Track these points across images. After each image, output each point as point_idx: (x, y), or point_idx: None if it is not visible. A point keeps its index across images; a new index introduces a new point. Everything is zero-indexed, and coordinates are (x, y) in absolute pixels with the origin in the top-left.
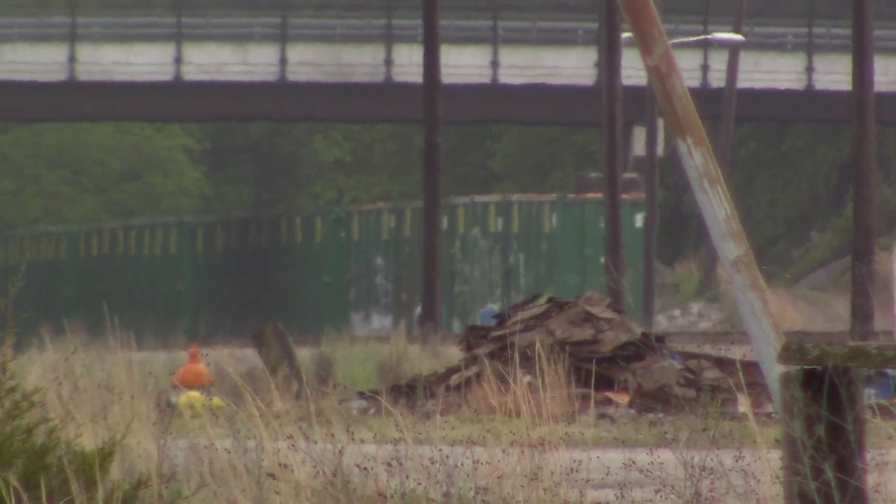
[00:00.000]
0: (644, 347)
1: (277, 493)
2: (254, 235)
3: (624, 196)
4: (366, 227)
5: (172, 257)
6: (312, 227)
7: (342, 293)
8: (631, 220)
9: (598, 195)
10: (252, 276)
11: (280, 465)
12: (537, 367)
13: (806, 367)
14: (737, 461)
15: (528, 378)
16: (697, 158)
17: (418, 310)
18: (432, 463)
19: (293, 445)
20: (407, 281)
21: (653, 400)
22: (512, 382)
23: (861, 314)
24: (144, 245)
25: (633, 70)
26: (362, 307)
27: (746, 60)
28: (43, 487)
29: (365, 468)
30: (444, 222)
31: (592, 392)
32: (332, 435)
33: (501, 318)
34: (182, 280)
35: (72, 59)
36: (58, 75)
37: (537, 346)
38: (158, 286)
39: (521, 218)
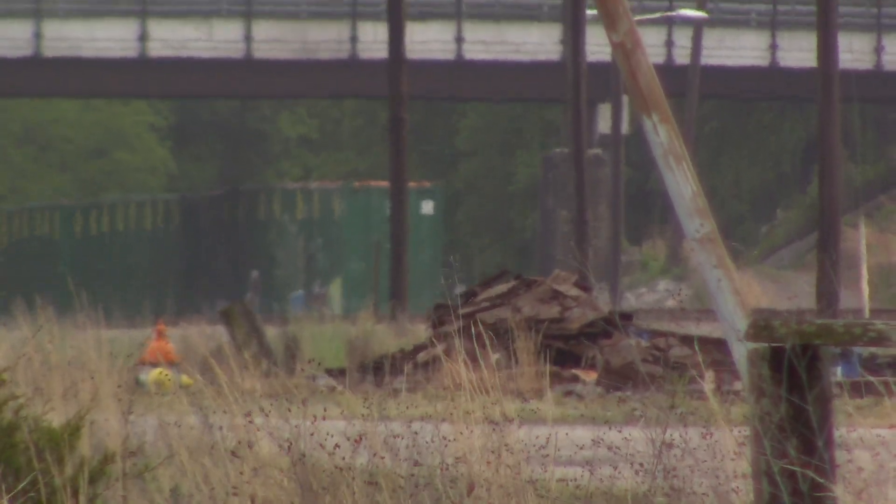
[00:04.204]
0: (611, 325)
1: (241, 472)
2: (96, 220)
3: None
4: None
5: (55, 241)
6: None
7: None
8: (417, 207)
9: (383, 183)
10: (111, 261)
11: (246, 442)
12: (508, 343)
13: (773, 344)
14: (703, 438)
15: (496, 356)
16: (662, 135)
17: (248, 295)
18: (398, 438)
19: (251, 423)
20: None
21: (620, 377)
22: (477, 360)
23: (827, 292)
24: (35, 226)
25: (598, 46)
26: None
27: (711, 37)
28: (21, 464)
29: (335, 445)
30: (259, 208)
31: (548, 369)
32: (289, 410)
33: (468, 296)
34: (62, 262)
35: (37, 34)
36: (23, 51)
37: (508, 322)
38: (43, 267)
39: (321, 205)
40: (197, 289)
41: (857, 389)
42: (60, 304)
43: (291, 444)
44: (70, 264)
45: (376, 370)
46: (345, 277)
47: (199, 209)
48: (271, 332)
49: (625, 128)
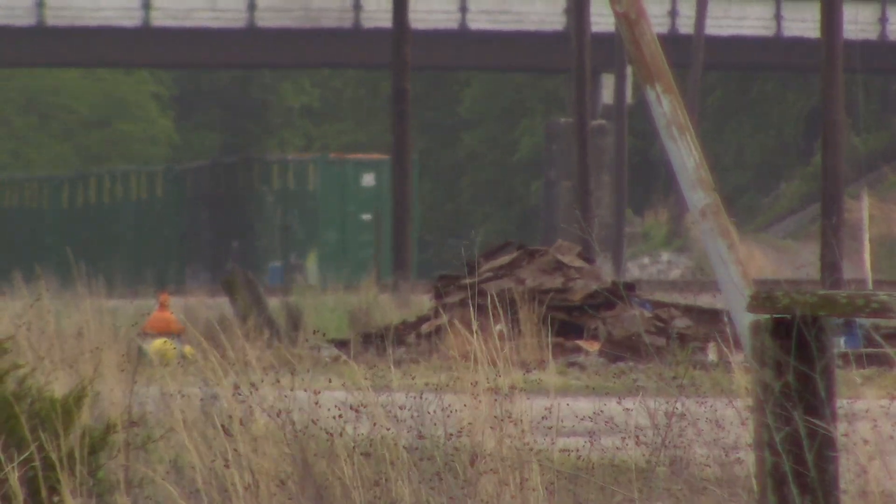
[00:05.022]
0: (614, 296)
1: (234, 448)
2: (82, 192)
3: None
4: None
5: (43, 210)
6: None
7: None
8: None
9: (358, 155)
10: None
11: (248, 413)
12: (509, 314)
13: (776, 315)
14: (700, 407)
15: (498, 326)
16: (666, 106)
17: (228, 265)
18: (402, 409)
19: (254, 392)
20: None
21: (623, 348)
22: (481, 331)
23: (830, 262)
24: (24, 198)
25: (601, 16)
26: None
27: (715, 7)
28: (24, 435)
29: (338, 415)
30: (239, 180)
31: (551, 340)
32: (294, 382)
33: (471, 267)
34: (49, 233)
35: (40, 3)
36: (26, 20)
37: (512, 292)
38: (31, 239)
39: (296, 176)
40: (181, 259)
41: (860, 360)
42: (54, 276)
43: (286, 414)
44: (57, 236)
45: (379, 341)
46: (322, 249)
47: (185, 181)
48: (273, 303)
49: (628, 98)
